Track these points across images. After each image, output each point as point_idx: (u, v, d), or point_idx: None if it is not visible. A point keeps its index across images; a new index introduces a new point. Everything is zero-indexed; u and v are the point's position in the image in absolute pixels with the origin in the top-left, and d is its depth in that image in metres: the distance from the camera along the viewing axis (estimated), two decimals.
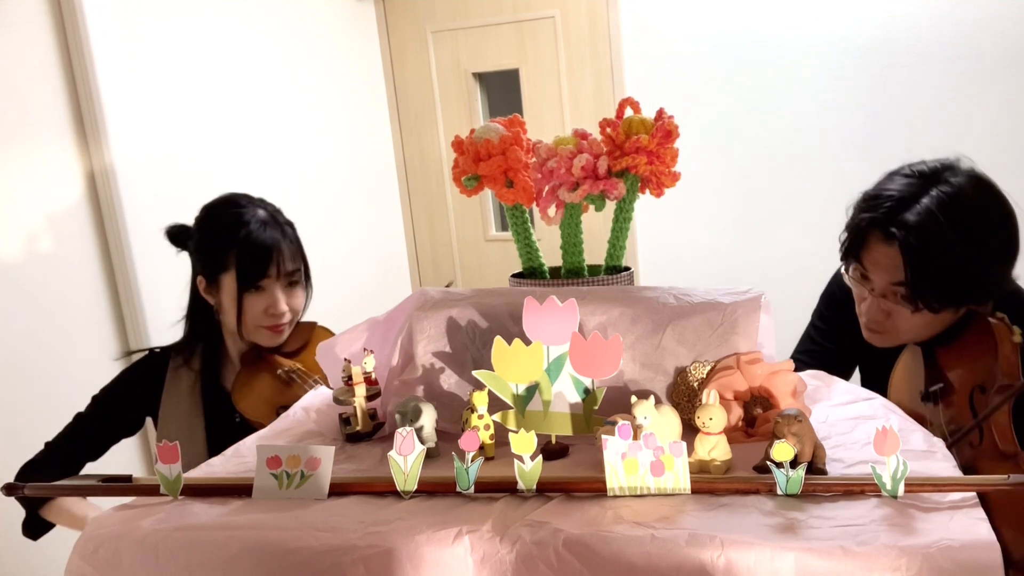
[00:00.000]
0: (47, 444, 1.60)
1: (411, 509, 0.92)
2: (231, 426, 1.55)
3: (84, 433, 1.61)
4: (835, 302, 1.51)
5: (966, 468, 0.98)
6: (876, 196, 1.27)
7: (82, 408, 1.65)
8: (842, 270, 1.38)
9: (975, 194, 1.22)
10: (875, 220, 1.24)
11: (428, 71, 3.69)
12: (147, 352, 1.71)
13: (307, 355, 1.62)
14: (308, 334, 1.66)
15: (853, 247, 1.30)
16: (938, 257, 1.18)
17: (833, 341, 1.53)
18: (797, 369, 1.31)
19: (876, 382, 1.37)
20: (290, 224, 1.63)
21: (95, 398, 1.66)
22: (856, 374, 1.55)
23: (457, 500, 0.94)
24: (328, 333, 1.68)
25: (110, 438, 1.65)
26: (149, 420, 1.71)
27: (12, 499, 1.30)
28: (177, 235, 1.63)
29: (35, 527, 1.57)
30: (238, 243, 1.54)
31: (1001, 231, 1.22)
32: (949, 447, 1.02)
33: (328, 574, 0.86)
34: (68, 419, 1.63)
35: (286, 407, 1.34)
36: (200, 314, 1.65)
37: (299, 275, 1.60)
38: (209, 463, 1.13)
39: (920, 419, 1.13)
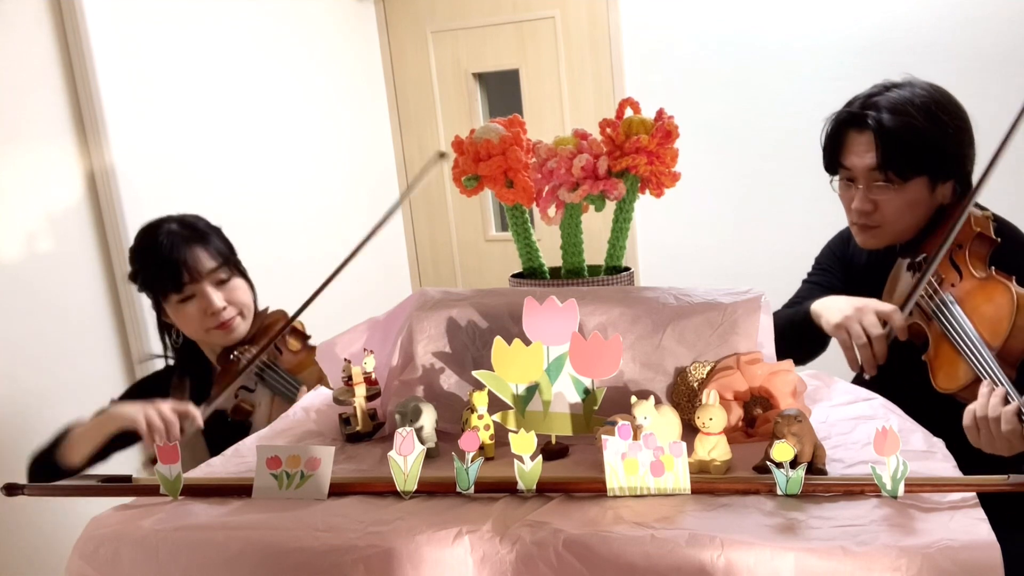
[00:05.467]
0: (61, 427, 1.62)
1: (411, 509, 0.92)
2: (225, 427, 1.58)
3: None
4: (832, 254, 1.70)
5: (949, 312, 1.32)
6: (848, 103, 1.49)
7: (86, 406, 1.66)
8: (832, 185, 1.54)
9: (931, 88, 1.46)
10: (850, 115, 1.46)
11: (428, 71, 3.69)
12: (164, 364, 1.78)
13: (262, 339, 1.68)
14: (261, 320, 1.71)
15: (834, 152, 1.50)
16: (905, 130, 1.39)
17: (825, 278, 1.69)
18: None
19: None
20: (210, 228, 1.69)
21: (113, 401, 1.70)
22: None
23: (457, 500, 0.94)
24: (280, 313, 1.73)
25: (120, 442, 1.67)
26: None
27: (12, 499, 1.30)
28: (131, 277, 1.71)
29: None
30: (150, 265, 1.63)
31: (956, 113, 1.44)
32: (933, 292, 1.35)
33: (328, 574, 0.86)
34: (68, 419, 1.64)
35: (244, 387, 1.47)
36: (171, 339, 1.74)
37: (226, 271, 1.66)
38: (209, 463, 1.13)
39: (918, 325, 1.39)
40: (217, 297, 1.62)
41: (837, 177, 1.53)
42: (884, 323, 1.36)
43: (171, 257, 1.60)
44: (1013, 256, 1.37)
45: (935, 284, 1.38)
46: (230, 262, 1.68)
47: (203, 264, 1.62)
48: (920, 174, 1.42)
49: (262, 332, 1.69)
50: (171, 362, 1.77)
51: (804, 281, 1.73)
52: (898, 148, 1.40)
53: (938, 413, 1.25)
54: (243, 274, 1.71)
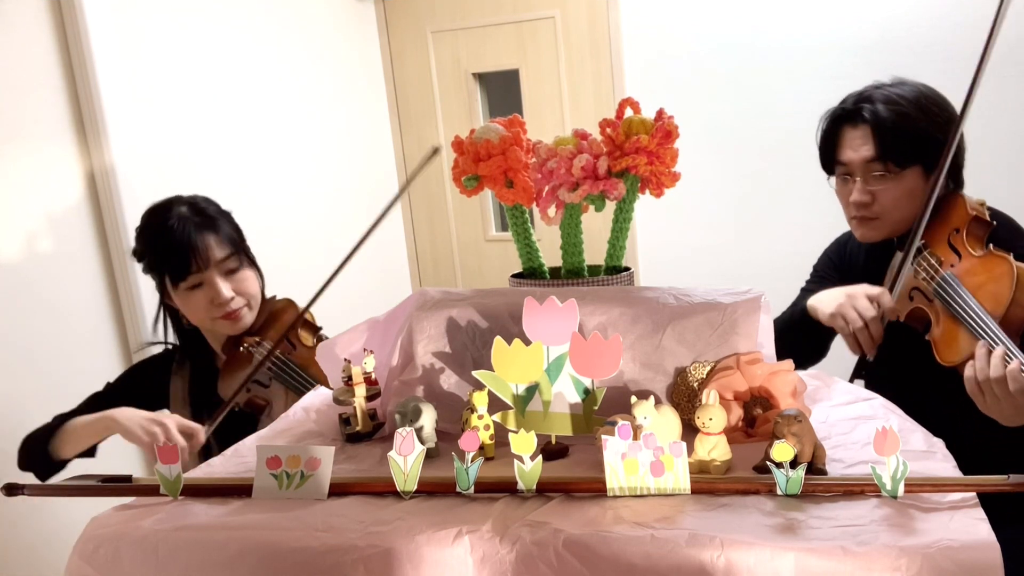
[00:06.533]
0: (57, 416, 1.63)
1: (411, 509, 0.92)
2: (234, 417, 1.57)
3: (95, 411, 1.64)
4: (829, 261, 1.73)
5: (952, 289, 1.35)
6: (841, 101, 1.56)
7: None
8: (830, 183, 1.61)
9: (920, 84, 1.53)
10: (844, 111, 1.53)
11: (428, 71, 3.69)
12: (163, 348, 1.76)
13: (270, 329, 1.66)
14: (269, 308, 1.69)
15: (830, 149, 1.56)
16: (900, 119, 1.46)
17: (822, 286, 1.68)
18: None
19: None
20: (221, 213, 1.65)
21: (109, 384, 1.72)
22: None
23: (457, 500, 0.94)
24: (287, 302, 1.71)
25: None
26: None
27: (12, 499, 1.30)
28: (136, 255, 1.68)
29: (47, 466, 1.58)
30: (159, 249, 1.59)
31: (943, 107, 1.50)
32: (934, 273, 1.39)
33: (328, 574, 0.86)
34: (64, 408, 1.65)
35: (257, 381, 1.43)
36: (173, 321, 1.72)
37: (236, 260, 1.63)
38: (209, 463, 1.13)
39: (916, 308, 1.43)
40: (225, 288, 1.59)
41: (834, 177, 1.58)
42: (877, 305, 1.42)
43: (181, 243, 1.56)
44: (1009, 239, 1.41)
45: (935, 266, 1.41)
46: (240, 250, 1.65)
47: (213, 253, 1.58)
48: (915, 162, 1.48)
49: (270, 321, 1.67)
50: (169, 346, 1.76)
51: (802, 289, 1.74)
52: (894, 137, 1.46)
53: (944, 396, 1.26)
54: (252, 262, 1.68)
